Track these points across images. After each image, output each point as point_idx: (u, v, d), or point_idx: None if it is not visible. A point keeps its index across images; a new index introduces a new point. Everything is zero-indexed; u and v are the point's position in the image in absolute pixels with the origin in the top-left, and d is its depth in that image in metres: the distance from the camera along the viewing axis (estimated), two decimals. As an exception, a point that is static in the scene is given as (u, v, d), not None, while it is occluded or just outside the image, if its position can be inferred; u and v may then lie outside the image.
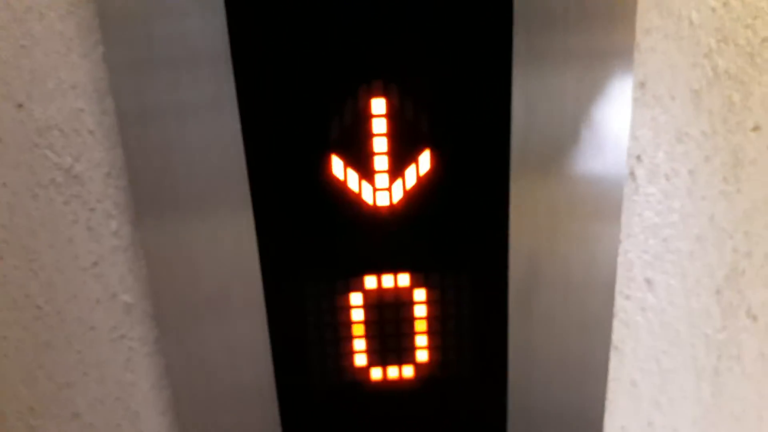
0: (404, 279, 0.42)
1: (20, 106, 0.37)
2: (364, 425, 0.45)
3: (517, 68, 0.37)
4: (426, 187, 0.39)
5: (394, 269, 0.41)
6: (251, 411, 0.43)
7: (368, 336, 0.43)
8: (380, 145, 0.39)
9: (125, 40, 0.35)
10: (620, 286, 0.43)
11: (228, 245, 0.39)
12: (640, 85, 0.39)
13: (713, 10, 0.38)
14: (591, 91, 0.38)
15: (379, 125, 0.38)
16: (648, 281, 0.43)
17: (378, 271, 0.41)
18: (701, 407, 0.46)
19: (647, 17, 0.38)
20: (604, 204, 0.40)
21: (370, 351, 0.43)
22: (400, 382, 0.44)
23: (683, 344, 0.45)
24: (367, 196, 0.39)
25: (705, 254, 0.43)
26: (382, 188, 0.39)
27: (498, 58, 0.37)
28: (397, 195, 0.40)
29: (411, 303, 0.42)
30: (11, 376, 0.42)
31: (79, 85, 0.37)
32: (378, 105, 0.38)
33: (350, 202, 0.39)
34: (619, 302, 0.43)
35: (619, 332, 0.44)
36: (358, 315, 0.42)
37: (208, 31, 0.35)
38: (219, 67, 0.36)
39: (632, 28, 0.37)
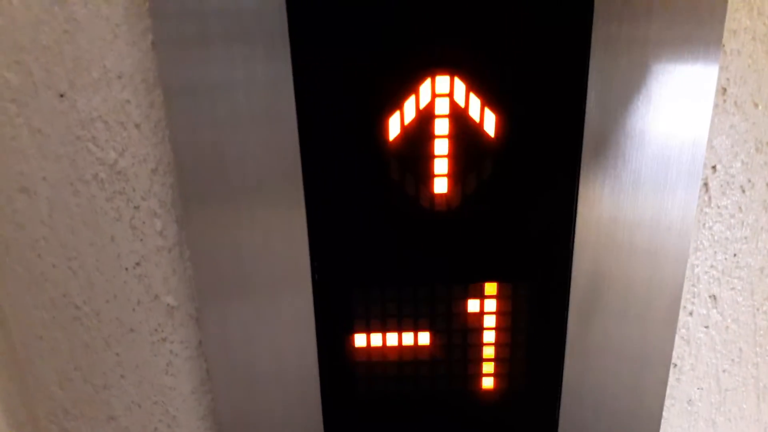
0: (458, 290, 0.40)
1: (62, 95, 0.35)
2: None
3: (594, 70, 0.34)
4: (486, 194, 0.37)
5: (447, 279, 0.39)
6: (294, 421, 0.41)
7: (417, 345, 0.41)
8: (441, 147, 0.36)
9: (176, 25, 0.32)
10: (684, 302, 0.41)
11: (278, 247, 0.37)
12: (722, 91, 0.37)
13: (808, 12, 0.35)
14: (670, 97, 0.35)
15: (441, 127, 0.36)
16: (713, 297, 0.41)
17: (430, 279, 0.39)
18: (759, 428, 0.44)
19: (735, 17, 0.35)
20: (673, 216, 0.38)
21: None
22: (450, 389, 0.42)
23: (745, 363, 0.43)
24: (424, 202, 0.37)
25: (776, 271, 0.40)
26: (440, 193, 0.37)
27: (574, 62, 0.34)
28: (455, 201, 0.37)
29: (464, 314, 0.40)
30: (45, 378, 0.40)
31: (126, 74, 0.34)
32: (441, 105, 0.35)
33: (406, 208, 0.37)
34: (682, 318, 0.41)
35: (679, 349, 0.42)
36: (408, 324, 0.40)
37: (265, 17, 0.33)
38: (277, 62, 0.33)
39: (720, 29, 0.34)
